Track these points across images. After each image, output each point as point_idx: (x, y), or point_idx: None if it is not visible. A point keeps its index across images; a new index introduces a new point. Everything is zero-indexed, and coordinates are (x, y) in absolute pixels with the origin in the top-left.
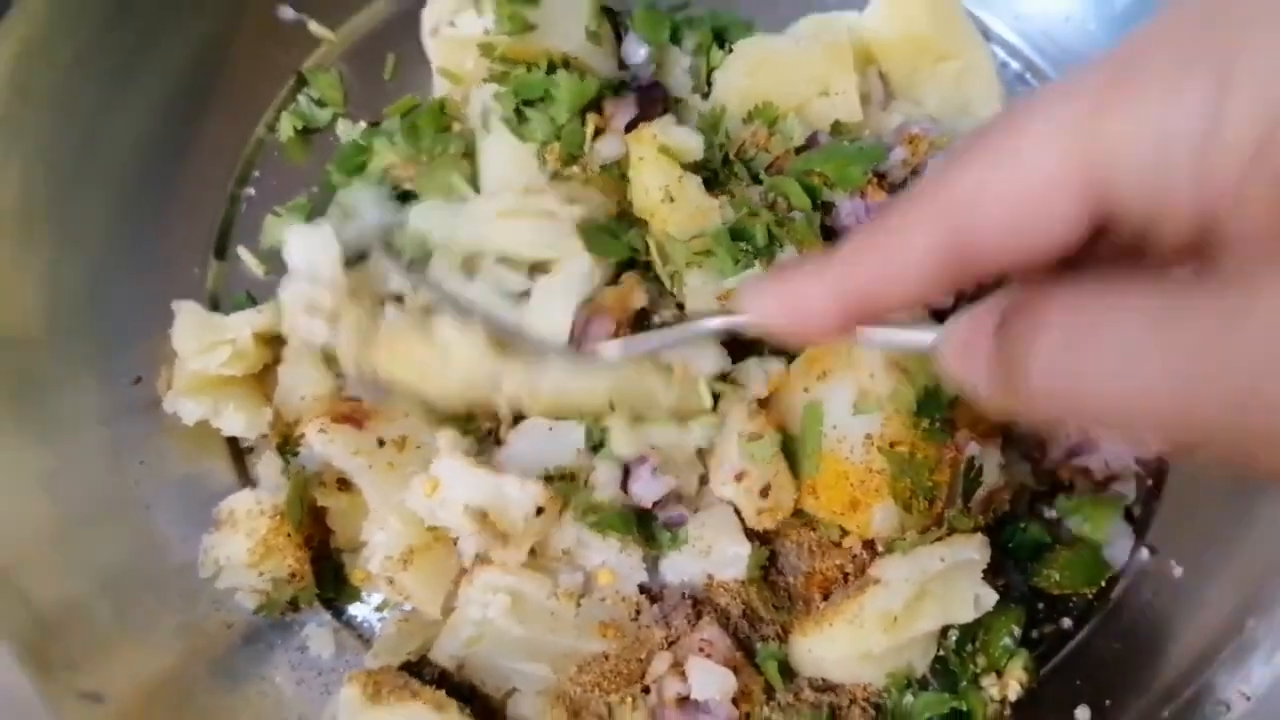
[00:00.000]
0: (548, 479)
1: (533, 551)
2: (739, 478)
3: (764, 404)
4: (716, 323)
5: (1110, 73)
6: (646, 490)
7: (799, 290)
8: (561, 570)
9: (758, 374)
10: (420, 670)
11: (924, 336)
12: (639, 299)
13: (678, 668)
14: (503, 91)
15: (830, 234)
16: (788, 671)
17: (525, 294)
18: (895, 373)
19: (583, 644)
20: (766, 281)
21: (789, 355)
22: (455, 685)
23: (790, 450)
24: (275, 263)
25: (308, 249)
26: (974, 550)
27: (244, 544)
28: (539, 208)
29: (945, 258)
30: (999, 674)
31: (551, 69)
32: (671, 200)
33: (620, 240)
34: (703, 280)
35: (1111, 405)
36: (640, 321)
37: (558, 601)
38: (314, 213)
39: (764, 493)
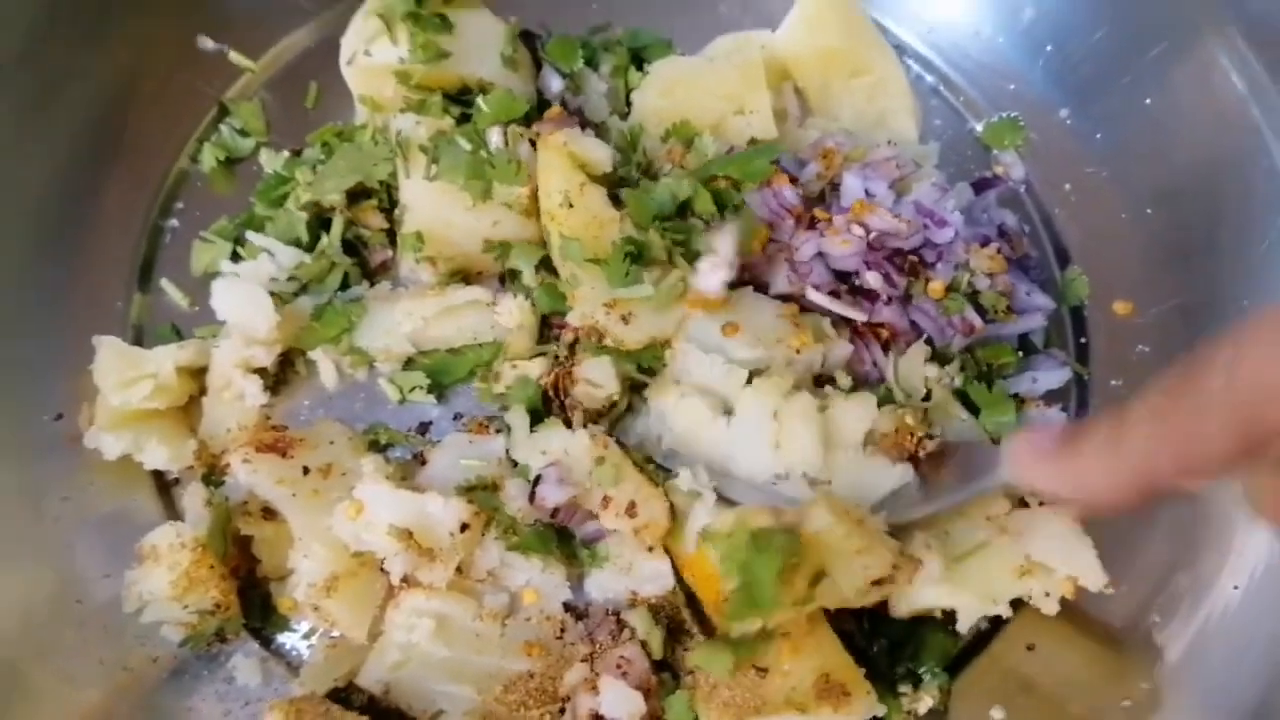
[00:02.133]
0: (470, 490)
1: (459, 572)
2: (605, 504)
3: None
4: (993, 484)
5: None
6: (552, 494)
7: (1087, 469)
8: (486, 591)
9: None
10: (349, 696)
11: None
12: None
13: (592, 684)
14: (420, 121)
15: None
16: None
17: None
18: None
19: (508, 663)
20: (1051, 453)
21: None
22: (383, 709)
23: None
24: (201, 294)
25: (239, 305)
26: None
27: (167, 577)
28: (465, 300)
29: (1244, 447)
30: (915, 687)
31: (466, 93)
32: (570, 206)
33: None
34: (592, 288)
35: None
36: None
37: (483, 623)
38: (240, 232)
39: (630, 511)
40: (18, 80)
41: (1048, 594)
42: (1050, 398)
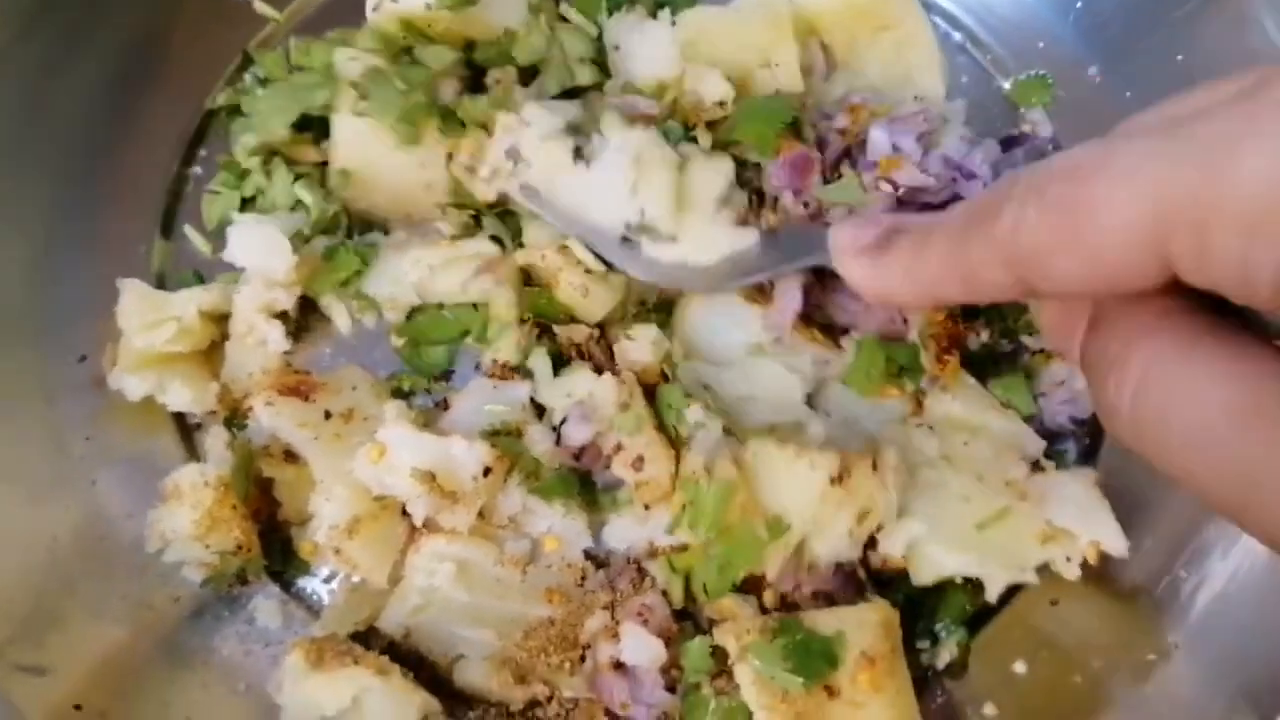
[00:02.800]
0: (494, 434)
1: (481, 517)
2: (616, 450)
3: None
4: (816, 263)
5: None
6: (578, 433)
7: (890, 274)
8: (508, 538)
9: (641, 343)
10: (369, 640)
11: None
12: None
13: (613, 631)
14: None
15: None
16: (720, 655)
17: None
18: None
19: (529, 609)
20: (867, 248)
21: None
22: (403, 653)
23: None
24: (222, 241)
25: (255, 249)
26: None
27: (190, 517)
28: (470, 253)
29: (1015, 292)
30: (933, 643)
31: (470, 48)
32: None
33: None
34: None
35: (1184, 471)
36: None
37: (504, 569)
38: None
39: (636, 465)
40: (44, 29)
41: (1069, 559)
42: None
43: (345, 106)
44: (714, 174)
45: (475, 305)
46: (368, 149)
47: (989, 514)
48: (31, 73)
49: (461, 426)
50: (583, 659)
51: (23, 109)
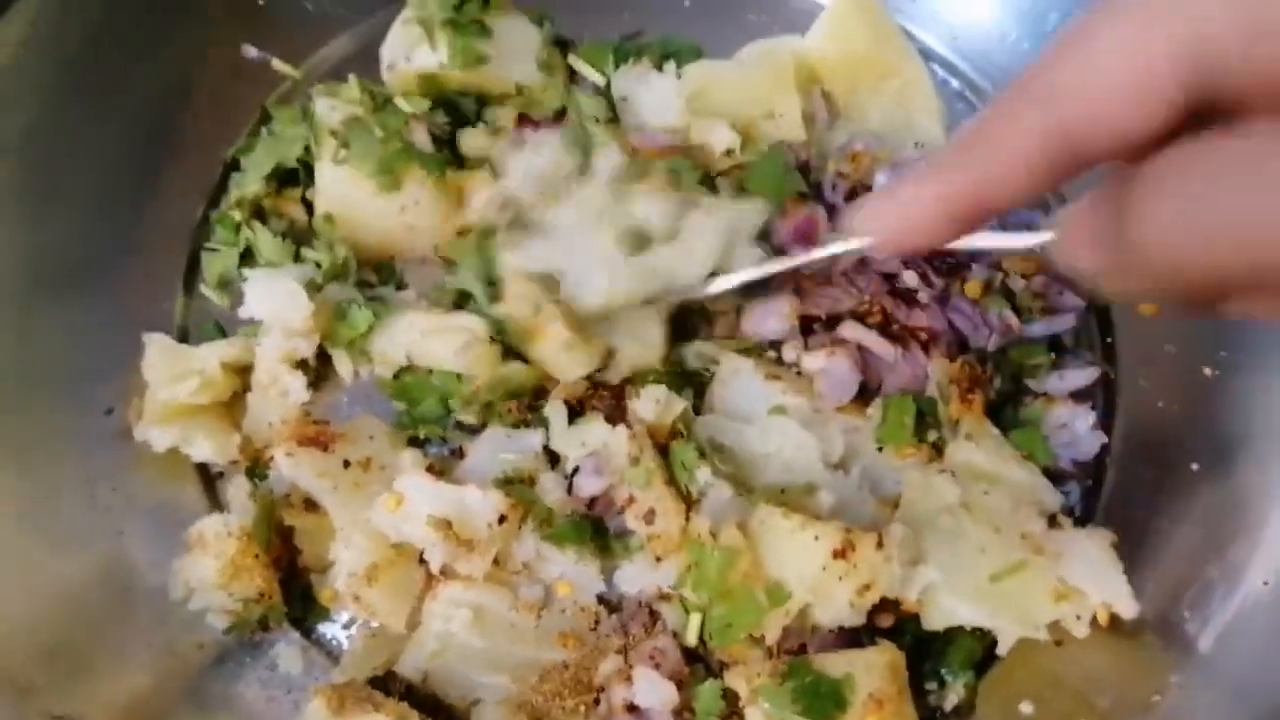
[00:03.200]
0: (508, 482)
1: (496, 564)
2: (629, 502)
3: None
4: (832, 250)
5: None
6: (589, 484)
7: (905, 201)
8: (521, 584)
9: (647, 401)
10: (388, 685)
11: (1033, 238)
12: None
13: (626, 674)
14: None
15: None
16: (731, 698)
17: None
18: None
19: (543, 654)
20: (873, 200)
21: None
22: (421, 698)
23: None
24: (237, 297)
25: (272, 300)
26: None
27: (213, 565)
28: (456, 326)
29: (1052, 151)
30: (941, 684)
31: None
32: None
33: None
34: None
35: (1232, 248)
36: None
37: (518, 614)
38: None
39: (648, 518)
40: (69, 92)
41: (1079, 617)
42: (1078, 397)
43: (326, 155)
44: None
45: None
46: (350, 195)
47: (1005, 566)
48: (59, 133)
49: (476, 475)
50: (597, 702)
51: (50, 167)
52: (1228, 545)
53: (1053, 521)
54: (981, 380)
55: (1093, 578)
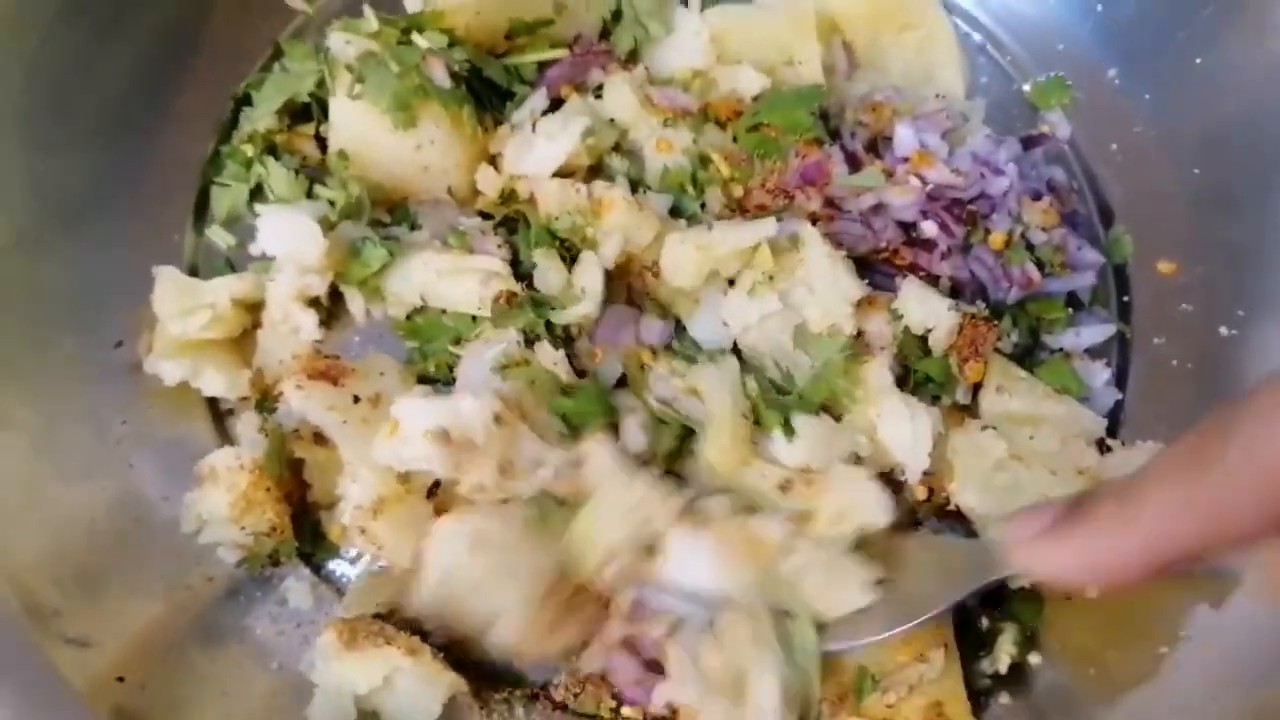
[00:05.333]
0: (504, 368)
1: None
2: None
3: None
4: (992, 580)
5: None
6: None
7: (1099, 546)
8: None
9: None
10: (395, 620)
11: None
12: None
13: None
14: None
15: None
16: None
17: None
18: None
19: (546, 562)
20: (1055, 533)
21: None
22: (429, 632)
23: None
24: (245, 232)
25: (286, 236)
26: None
27: (225, 499)
28: (475, 268)
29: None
30: (991, 649)
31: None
32: None
33: None
34: None
35: None
36: None
37: (514, 533)
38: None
39: None
40: (77, 22)
41: None
42: (1093, 353)
43: (341, 90)
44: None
45: (474, 316)
46: (365, 132)
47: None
48: (65, 64)
49: (474, 384)
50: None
51: (57, 99)
52: None
53: (1102, 448)
54: (982, 341)
55: None
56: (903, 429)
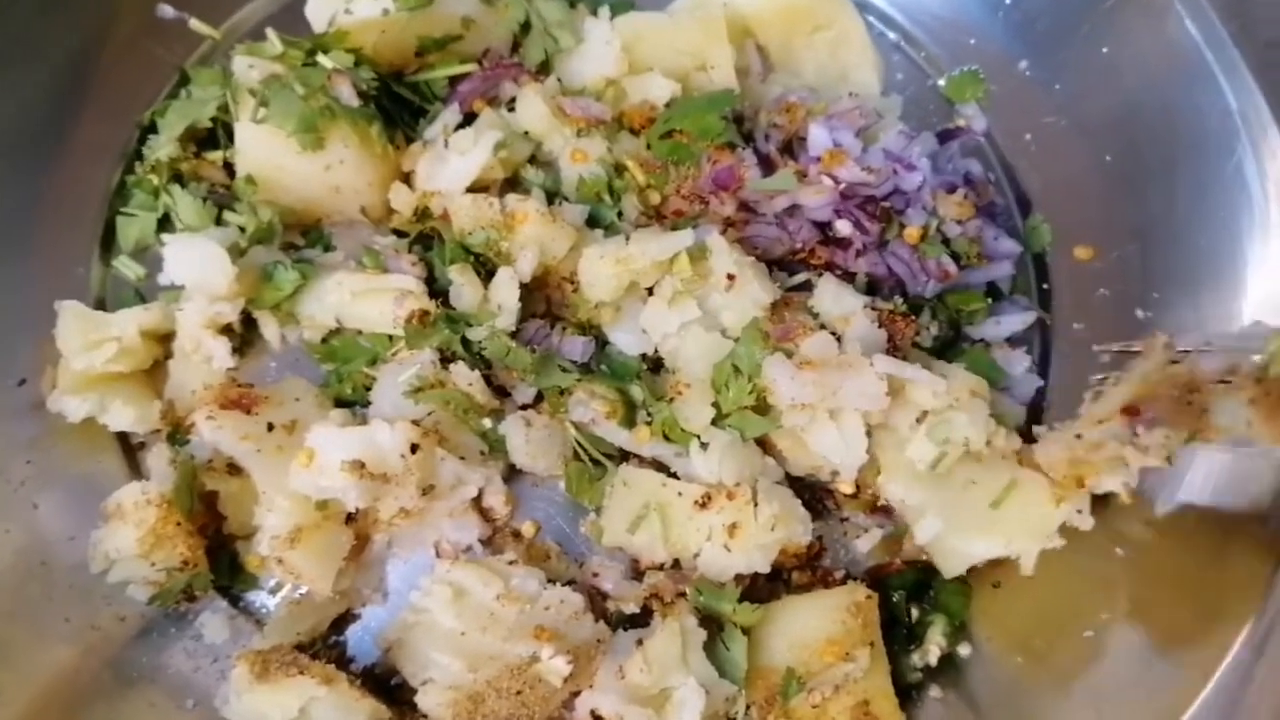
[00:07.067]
0: (418, 390)
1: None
2: None
3: None
4: None
5: None
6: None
7: None
8: (515, 574)
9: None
10: (315, 651)
11: None
12: None
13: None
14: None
15: None
16: None
17: None
18: None
19: (511, 649)
20: None
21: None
22: (377, 677)
23: None
24: (153, 263)
25: (193, 265)
26: None
27: (133, 535)
28: (389, 287)
29: None
30: (920, 642)
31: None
32: None
33: None
34: None
35: None
36: None
37: (502, 604)
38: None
39: None
40: None
41: (1080, 511)
42: (1014, 342)
43: (245, 115)
44: None
45: (391, 336)
46: (272, 155)
47: (999, 491)
48: None
49: (388, 411)
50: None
51: None
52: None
53: (1026, 433)
54: (901, 333)
55: None
56: (830, 432)
